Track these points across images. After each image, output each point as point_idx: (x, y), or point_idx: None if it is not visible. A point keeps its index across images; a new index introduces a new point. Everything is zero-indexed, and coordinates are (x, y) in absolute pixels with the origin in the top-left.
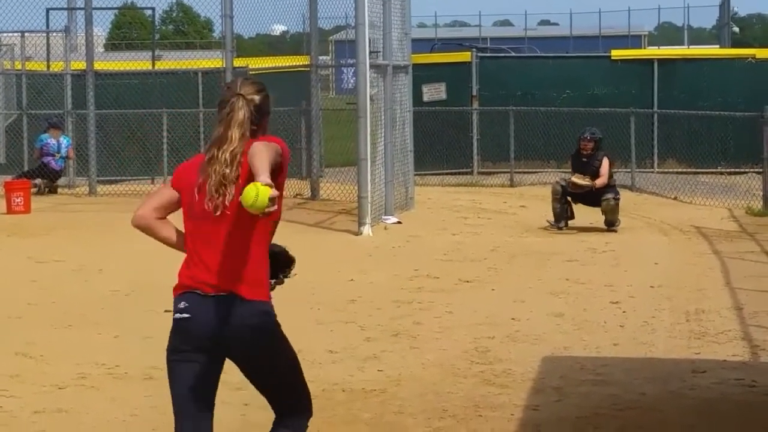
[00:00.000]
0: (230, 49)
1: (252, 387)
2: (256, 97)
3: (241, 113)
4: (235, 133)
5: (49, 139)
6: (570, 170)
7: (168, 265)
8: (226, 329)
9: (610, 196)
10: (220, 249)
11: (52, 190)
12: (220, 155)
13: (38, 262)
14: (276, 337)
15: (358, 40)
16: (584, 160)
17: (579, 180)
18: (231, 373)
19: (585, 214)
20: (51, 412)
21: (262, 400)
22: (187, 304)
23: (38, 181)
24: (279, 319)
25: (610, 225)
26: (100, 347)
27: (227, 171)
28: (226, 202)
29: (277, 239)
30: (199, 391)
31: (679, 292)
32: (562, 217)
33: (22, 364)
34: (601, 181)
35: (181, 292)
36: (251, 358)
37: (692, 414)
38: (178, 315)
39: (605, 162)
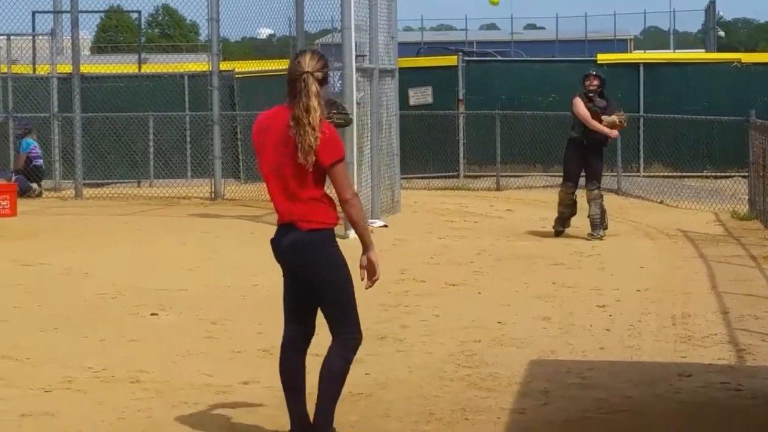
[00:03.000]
0: (216, 53)
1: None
2: (320, 74)
3: (314, 87)
4: (315, 103)
5: (35, 143)
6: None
7: (154, 269)
8: (283, 248)
9: (595, 182)
10: (287, 193)
11: (39, 194)
12: (309, 121)
13: (24, 265)
14: (323, 257)
15: (344, 44)
16: (591, 96)
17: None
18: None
19: (574, 219)
20: (38, 415)
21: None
22: (275, 232)
23: (34, 185)
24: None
25: (592, 226)
26: (87, 350)
27: (312, 138)
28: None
29: (259, 242)
30: (286, 301)
31: (665, 296)
32: (568, 218)
33: (8, 368)
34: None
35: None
36: (300, 273)
37: (678, 417)
38: None
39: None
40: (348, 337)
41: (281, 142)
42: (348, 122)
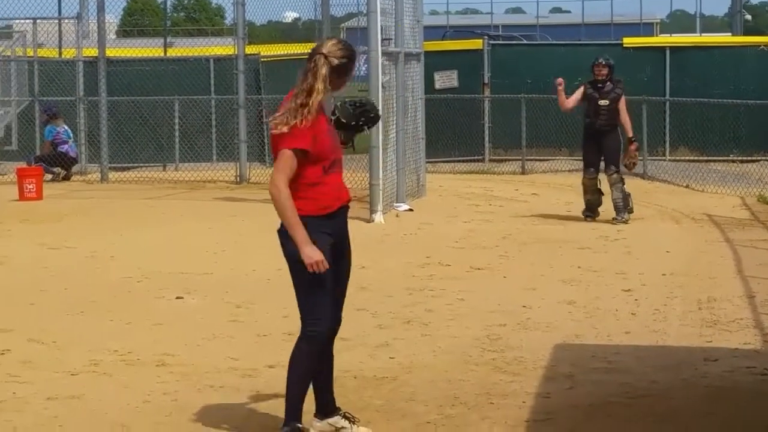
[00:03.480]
0: (242, 36)
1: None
2: (336, 60)
3: (324, 70)
4: (320, 86)
5: (60, 128)
6: (582, 93)
7: (179, 253)
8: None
9: (613, 167)
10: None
11: (66, 178)
12: (310, 102)
13: (50, 248)
14: (286, 255)
15: (370, 28)
16: (600, 85)
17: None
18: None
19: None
20: (64, 398)
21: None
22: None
23: (57, 169)
24: None
25: (615, 209)
26: (113, 334)
27: (300, 120)
28: None
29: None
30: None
31: (690, 280)
32: (596, 207)
33: (35, 351)
34: (630, 129)
35: None
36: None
37: (704, 402)
38: None
39: (624, 100)
40: (302, 336)
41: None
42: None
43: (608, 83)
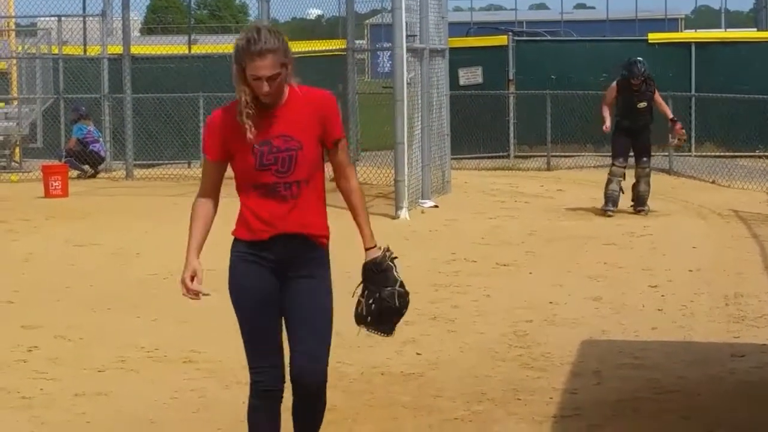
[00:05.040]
0: None
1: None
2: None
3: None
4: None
5: (90, 127)
6: (616, 93)
7: (204, 249)
8: None
9: (645, 159)
10: None
11: (93, 175)
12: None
13: (76, 245)
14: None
15: (395, 24)
16: (635, 89)
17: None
18: None
19: (624, 198)
20: (91, 395)
21: None
22: None
23: (86, 166)
24: None
25: (640, 201)
26: (139, 330)
27: None
28: None
29: None
30: None
31: (717, 276)
32: (617, 200)
33: (62, 347)
34: (669, 111)
35: None
36: None
37: (732, 398)
38: None
39: (657, 93)
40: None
41: None
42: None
43: (642, 84)
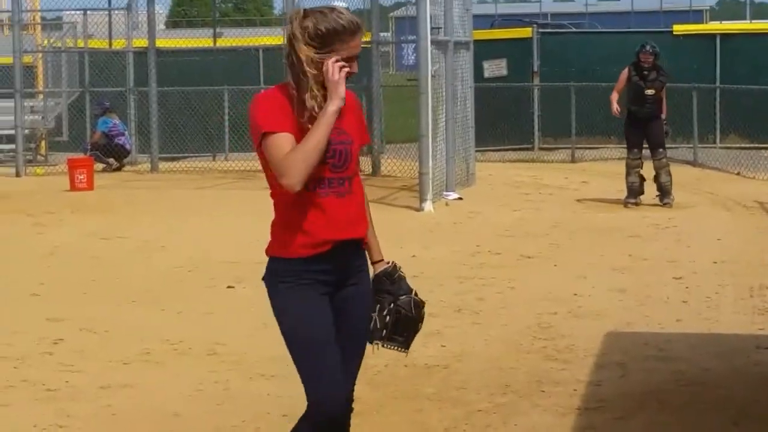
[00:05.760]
0: None
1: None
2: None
3: None
4: None
5: (115, 121)
6: (627, 79)
7: (229, 242)
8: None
9: (661, 150)
10: None
11: (118, 168)
12: None
13: (101, 238)
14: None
15: (419, 17)
16: (645, 72)
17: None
18: None
19: (649, 191)
20: (116, 387)
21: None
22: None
23: (111, 160)
24: None
25: (664, 193)
26: (164, 323)
27: None
28: None
29: None
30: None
31: (742, 268)
32: (638, 192)
33: (87, 340)
34: (664, 112)
35: None
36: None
37: (757, 389)
38: None
39: (664, 91)
40: (307, 410)
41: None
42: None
43: (653, 71)
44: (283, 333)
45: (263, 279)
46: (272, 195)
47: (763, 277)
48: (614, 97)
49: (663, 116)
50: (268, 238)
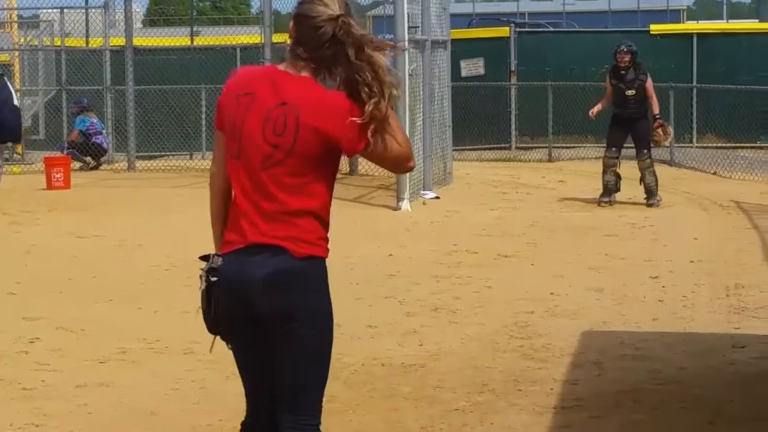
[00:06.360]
0: (268, 25)
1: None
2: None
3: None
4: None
5: (93, 119)
6: (608, 83)
7: (206, 241)
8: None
9: (645, 151)
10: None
11: (95, 167)
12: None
13: (78, 237)
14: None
15: (396, 15)
16: (623, 72)
17: (663, 137)
18: None
19: (625, 190)
20: (93, 386)
21: None
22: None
23: (88, 158)
24: None
25: (650, 194)
26: (141, 322)
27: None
28: None
29: None
30: (253, 378)
31: (718, 267)
32: (613, 190)
33: (64, 339)
34: (656, 107)
35: None
36: (272, 322)
37: (732, 388)
38: None
39: (650, 82)
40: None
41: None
42: None
43: (631, 70)
44: (329, 342)
45: (325, 283)
46: (325, 194)
47: (738, 276)
48: (601, 104)
49: (657, 113)
50: None
